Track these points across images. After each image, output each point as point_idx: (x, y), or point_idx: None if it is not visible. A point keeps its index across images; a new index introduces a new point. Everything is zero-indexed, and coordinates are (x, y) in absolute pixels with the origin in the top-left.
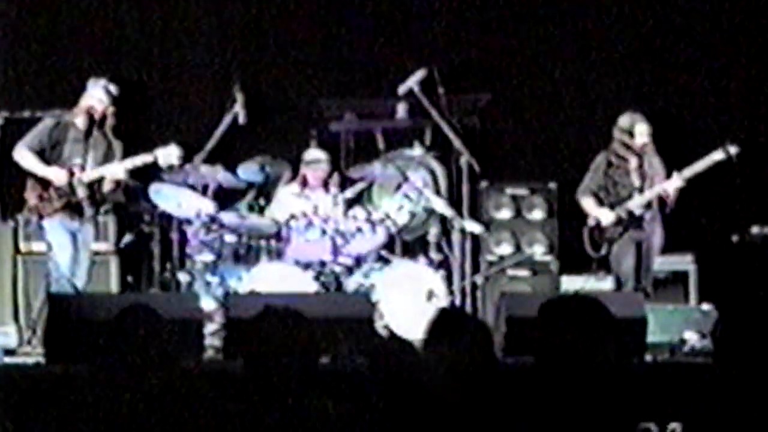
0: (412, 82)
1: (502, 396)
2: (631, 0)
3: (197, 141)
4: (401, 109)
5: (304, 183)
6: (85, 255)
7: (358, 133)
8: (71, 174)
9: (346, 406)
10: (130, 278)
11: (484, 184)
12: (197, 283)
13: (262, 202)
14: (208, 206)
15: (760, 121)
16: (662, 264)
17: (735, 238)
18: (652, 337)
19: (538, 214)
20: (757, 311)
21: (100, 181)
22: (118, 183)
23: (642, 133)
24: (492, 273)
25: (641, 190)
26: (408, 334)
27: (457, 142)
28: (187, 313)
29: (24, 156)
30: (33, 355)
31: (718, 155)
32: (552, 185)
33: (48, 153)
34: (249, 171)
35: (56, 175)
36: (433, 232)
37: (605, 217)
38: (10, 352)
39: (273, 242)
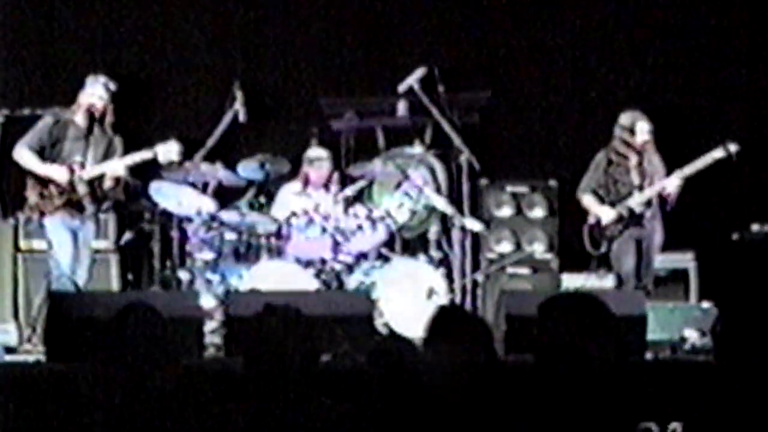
0: (413, 80)
1: (502, 394)
2: None
3: (197, 139)
4: (401, 107)
5: (306, 181)
6: (85, 253)
7: (358, 131)
8: (71, 171)
9: (346, 404)
10: (130, 276)
11: (484, 181)
12: (198, 281)
13: (262, 200)
14: (208, 204)
15: (761, 119)
16: (662, 262)
17: (735, 236)
18: (652, 335)
19: (538, 212)
20: (757, 309)
21: (100, 178)
22: (118, 180)
23: (643, 130)
24: (492, 271)
25: (641, 188)
26: (408, 332)
27: (457, 140)
28: (187, 311)
29: (24, 155)
30: (33, 353)
31: (718, 153)
32: (552, 183)
33: (48, 151)
34: (249, 169)
35: (56, 173)
36: (434, 230)
37: (605, 215)
38: (10, 350)
39: (273, 240)
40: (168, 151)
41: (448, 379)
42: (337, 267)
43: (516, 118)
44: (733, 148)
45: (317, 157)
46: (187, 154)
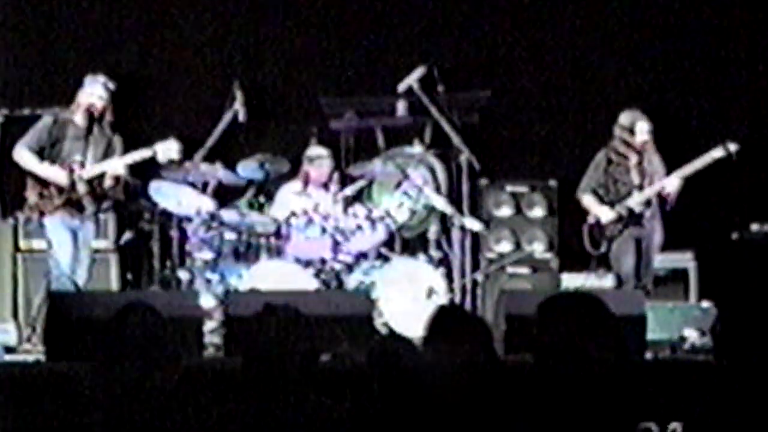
0: (412, 79)
1: (501, 394)
2: None
3: (197, 138)
4: (401, 107)
5: (306, 180)
6: (85, 253)
7: (358, 131)
8: (71, 171)
9: (346, 404)
10: (129, 276)
11: (484, 181)
12: (197, 281)
13: (262, 199)
14: (207, 204)
15: (760, 118)
16: (662, 261)
17: (735, 235)
18: (652, 335)
19: (538, 212)
20: (757, 309)
21: (100, 177)
22: (118, 179)
23: (642, 130)
24: (492, 270)
25: (641, 187)
26: (408, 332)
27: (456, 140)
28: (187, 311)
29: (23, 156)
30: (33, 352)
31: (717, 152)
32: (552, 183)
33: (48, 151)
34: (249, 168)
35: (56, 174)
36: (433, 229)
37: (605, 214)
38: (10, 349)
39: (273, 240)
40: (167, 149)
41: (448, 378)
42: (337, 267)
43: (516, 118)
44: (732, 147)
45: (317, 156)
46: (186, 154)
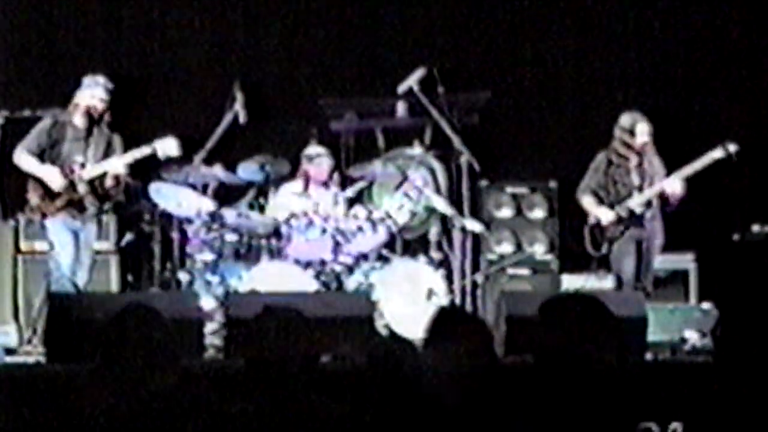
0: (412, 80)
1: (502, 395)
2: None
3: (198, 140)
4: (401, 108)
5: (307, 180)
6: (86, 254)
7: (358, 132)
8: (71, 172)
9: (347, 406)
10: (130, 277)
11: (484, 182)
12: (197, 283)
13: (262, 201)
14: (208, 205)
15: (760, 119)
16: (663, 263)
17: (736, 236)
18: (652, 336)
19: (538, 213)
20: (758, 310)
21: (101, 177)
22: (118, 179)
23: (643, 132)
24: (492, 272)
25: (641, 189)
26: (408, 333)
27: (457, 141)
28: (187, 313)
29: (24, 159)
30: (33, 354)
31: (717, 153)
32: (552, 184)
33: (48, 153)
34: (249, 170)
35: (56, 176)
36: (434, 231)
37: (605, 215)
38: (10, 351)
39: (273, 241)
40: (167, 146)
41: (449, 380)
42: (337, 268)
43: (516, 119)
44: (732, 148)
45: (316, 154)
46: (187, 155)
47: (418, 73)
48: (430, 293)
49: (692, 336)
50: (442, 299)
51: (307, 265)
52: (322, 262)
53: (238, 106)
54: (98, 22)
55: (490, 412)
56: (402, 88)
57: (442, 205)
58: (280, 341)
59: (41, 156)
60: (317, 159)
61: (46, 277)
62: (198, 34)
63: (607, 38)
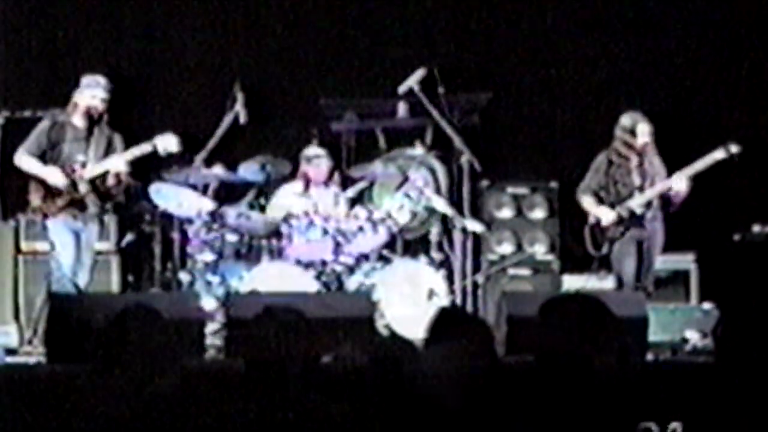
0: (413, 81)
1: (502, 395)
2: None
3: (198, 141)
4: (402, 109)
5: (306, 180)
6: (87, 255)
7: (359, 133)
8: (73, 172)
9: (347, 406)
10: (131, 278)
11: (485, 183)
12: (198, 283)
13: (263, 201)
14: (208, 206)
15: (761, 120)
16: (663, 263)
17: (736, 237)
18: (653, 337)
19: (539, 213)
20: (759, 310)
21: (103, 176)
22: (119, 177)
23: (644, 132)
24: (493, 272)
25: (642, 189)
26: (409, 334)
27: (457, 141)
28: (188, 313)
29: (25, 161)
30: (34, 354)
31: (719, 154)
32: (553, 184)
33: (48, 154)
34: (250, 170)
35: (56, 176)
36: (434, 231)
37: (606, 216)
38: (11, 351)
39: (274, 241)
40: (166, 142)
41: (449, 380)
42: (338, 268)
43: (517, 120)
44: (734, 149)
45: (315, 155)
46: (188, 156)
47: (419, 74)
48: (431, 294)
49: (693, 336)
50: (443, 300)
51: (308, 265)
52: (323, 263)
53: (239, 107)
54: (98, 22)
55: (491, 412)
56: (403, 89)
57: (442, 206)
58: (280, 342)
59: (42, 157)
60: (316, 160)
61: (47, 278)
62: (199, 35)
63: (607, 39)
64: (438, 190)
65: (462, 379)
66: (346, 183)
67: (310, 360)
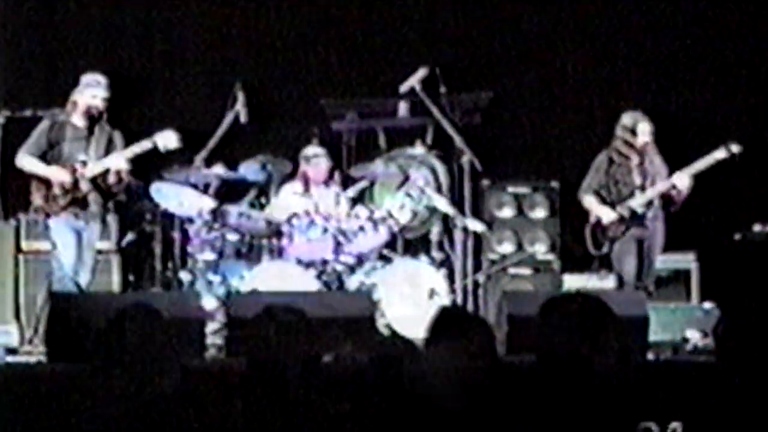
0: (414, 80)
1: (503, 395)
2: None
3: (199, 140)
4: (403, 108)
5: (306, 180)
6: (89, 254)
7: (359, 132)
8: (74, 171)
9: (347, 405)
10: (131, 277)
11: (486, 182)
12: (199, 282)
13: (263, 200)
14: (209, 205)
15: (762, 119)
16: (664, 262)
17: (737, 236)
18: (654, 336)
19: (540, 213)
20: (760, 310)
21: (104, 174)
22: (121, 176)
23: (644, 131)
24: (494, 271)
25: (643, 188)
26: (409, 333)
27: (458, 141)
28: (188, 312)
29: (27, 161)
30: (35, 354)
31: (720, 154)
32: (554, 184)
33: (49, 154)
34: (251, 170)
35: (59, 174)
36: (435, 230)
37: (606, 215)
38: (11, 351)
39: (275, 241)
40: (166, 139)
41: (450, 379)
42: (339, 268)
43: (518, 119)
44: (735, 148)
45: (314, 154)
46: (188, 156)
47: (420, 73)
48: (432, 293)
49: (694, 336)
50: (444, 299)
51: (309, 264)
52: (324, 262)
53: (240, 106)
54: (98, 21)
55: (492, 412)
56: (404, 88)
57: (443, 205)
58: (281, 341)
59: (43, 158)
60: (315, 159)
61: (48, 277)
62: (200, 34)
63: (608, 38)
64: (439, 190)
65: (463, 379)
66: (347, 182)
67: (310, 360)
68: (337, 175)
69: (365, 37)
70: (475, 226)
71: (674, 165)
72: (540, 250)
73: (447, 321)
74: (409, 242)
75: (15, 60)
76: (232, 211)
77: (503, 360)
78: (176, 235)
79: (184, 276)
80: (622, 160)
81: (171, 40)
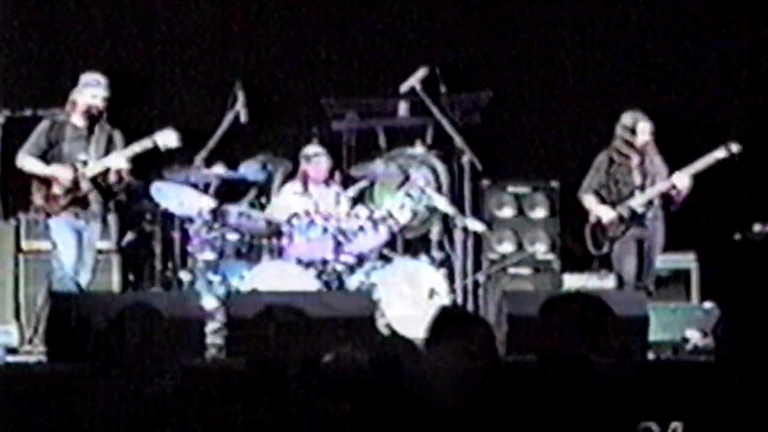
0: (414, 80)
1: (503, 394)
2: None
3: (199, 140)
4: (403, 108)
5: (305, 179)
6: (89, 254)
7: (360, 132)
8: (75, 170)
9: (346, 405)
10: (131, 277)
11: (486, 182)
12: (199, 282)
13: (263, 200)
14: (209, 204)
15: (762, 118)
16: (664, 262)
17: (737, 236)
18: (654, 336)
19: (540, 213)
20: (759, 309)
21: (104, 174)
22: (121, 175)
23: (644, 131)
24: (494, 271)
25: (643, 188)
26: (409, 333)
27: (459, 141)
28: (188, 312)
29: (28, 162)
30: (35, 353)
31: (720, 153)
32: (554, 183)
33: (49, 154)
34: (251, 169)
35: (61, 173)
36: (435, 230)
37: (606, 214)
38: (11, 350)
39: (275, 241)
40: (166, 138)
41: (450, 379)
42: (339, 267)
43: (518, 119)
44: (735, 148)
45: (314, 154)
46: (188, 155)
47: (420, 73)
48: (432, 293)
49: (694, 335)
50: (444, 299)
51: (309, 264)
52: (324, 262)
53: (240, 106)
54: (98, 21)
55: (492, 412)
56: (404, 88)
57: (443, 205)
58: (281, 341)
59: (43, 158)
60: (315, 158)
61: (48, 277)
62: (200, 34)
63: (608, 38)
64: (439, 189)
65: (463, 379)
66: (347, 182)
67: (310, 359)
68: (337, 175)
69: (365, 37)
70: (475, 225)
71: (674, 165)
72: (540, 249)
73: (447, 321)
74: (409, 242)
75: (15, 60)
76: (232, 210)
77: (503, 360)
78: (176, 234)
79: (184, 276)
80: (623, 159)
81: (171, 39)
